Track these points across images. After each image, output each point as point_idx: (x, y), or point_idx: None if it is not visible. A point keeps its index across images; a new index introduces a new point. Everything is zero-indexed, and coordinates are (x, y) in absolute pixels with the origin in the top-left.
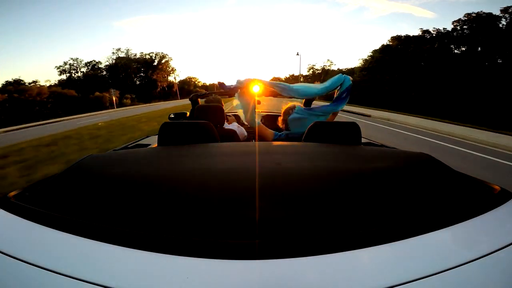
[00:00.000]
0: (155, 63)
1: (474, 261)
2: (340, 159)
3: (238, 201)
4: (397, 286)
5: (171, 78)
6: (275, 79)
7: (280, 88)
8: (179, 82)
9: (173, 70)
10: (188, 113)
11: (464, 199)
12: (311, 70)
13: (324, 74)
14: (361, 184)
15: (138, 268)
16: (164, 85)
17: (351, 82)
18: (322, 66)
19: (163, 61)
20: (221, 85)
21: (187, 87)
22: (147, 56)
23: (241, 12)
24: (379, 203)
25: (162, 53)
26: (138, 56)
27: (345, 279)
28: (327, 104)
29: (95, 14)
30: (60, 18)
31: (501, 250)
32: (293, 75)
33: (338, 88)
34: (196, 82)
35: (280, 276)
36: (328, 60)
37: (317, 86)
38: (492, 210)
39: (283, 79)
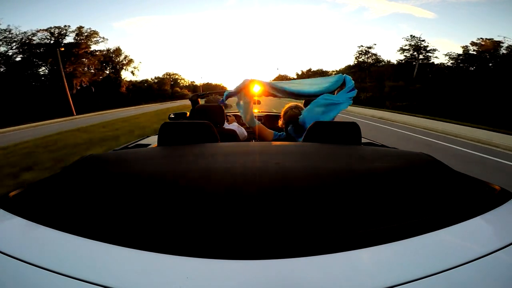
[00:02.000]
0: (71, 46)
1: (474, 261)
2: (340, 159)
3: (238, 201)
4: (397, 286)
5: (127, 74)
6: (280, 76)
7: (277, 89)
8: (156, 79)
9: (129, 61)
10: (188, 113)
11: (464, 199)
12: (366, 55)
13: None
14: (361, 184)
15: (138, 268)
16: (86, 82)
17: (353, 82)
18: (406, 45)
19: (89, 43)
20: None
21: (157, 87)
22: (52, 37)
23: (240, 13)
24: (379, 203)
25: (83, 27)
26: (27, 32)
27: (345, 279)
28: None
29: (95, 14)
30: (59, 18)
31: (501, 250)
32: (309, 70)
33: (338, 89)
34: (179, 80)
35: (280, 276)
36: (412, 36)
37: (314, 86)
38: (492, 210)
39: (296, 76)
